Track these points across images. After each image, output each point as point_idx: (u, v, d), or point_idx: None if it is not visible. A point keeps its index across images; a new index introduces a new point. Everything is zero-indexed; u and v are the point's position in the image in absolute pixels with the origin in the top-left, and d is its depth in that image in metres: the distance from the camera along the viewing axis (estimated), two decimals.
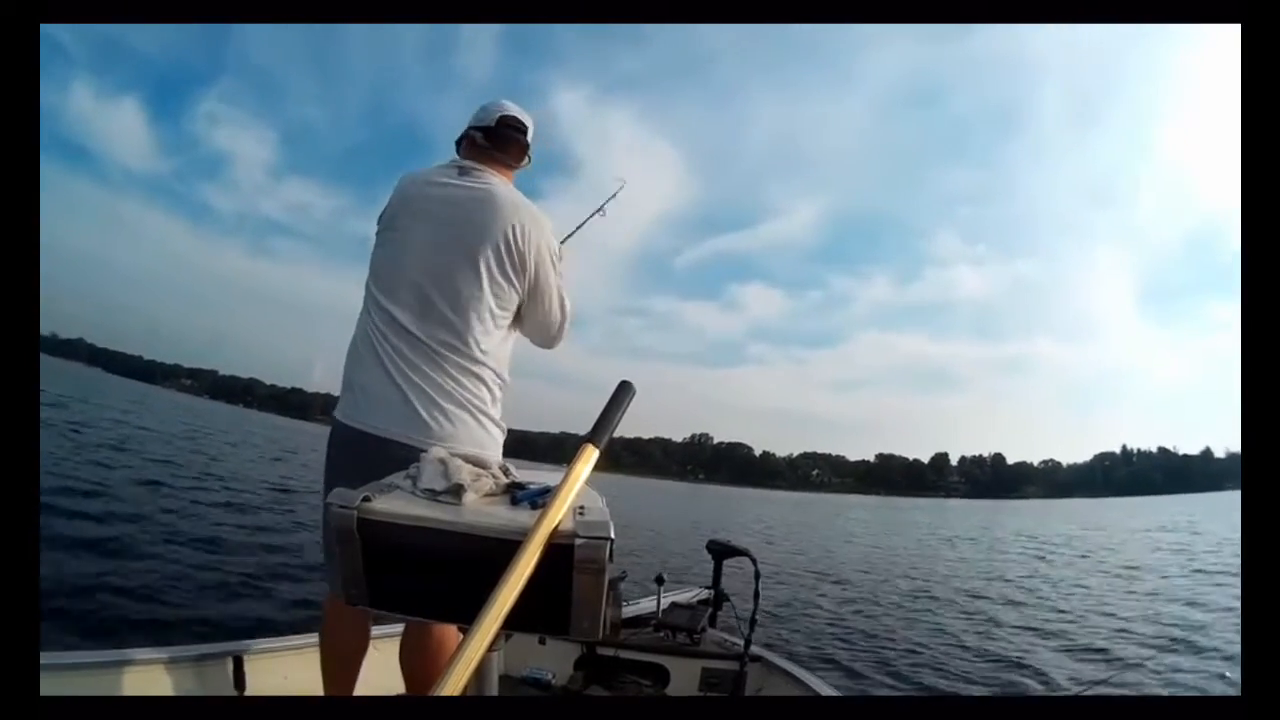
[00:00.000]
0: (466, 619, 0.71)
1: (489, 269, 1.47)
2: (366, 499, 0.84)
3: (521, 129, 1.65)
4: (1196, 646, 5.61)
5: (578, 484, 0.91)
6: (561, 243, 1.67)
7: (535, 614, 0.81)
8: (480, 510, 0.91)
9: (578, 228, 1.94)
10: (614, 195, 1.71)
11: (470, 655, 0.68)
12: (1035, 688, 4.64)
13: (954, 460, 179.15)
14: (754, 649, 2.38)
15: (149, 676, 1.69)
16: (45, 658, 1.45)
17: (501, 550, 0.78)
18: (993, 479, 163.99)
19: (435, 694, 0.65)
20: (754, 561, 2.39)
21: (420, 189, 1.53)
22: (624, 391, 1.11)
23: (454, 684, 0.66)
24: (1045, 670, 5.06)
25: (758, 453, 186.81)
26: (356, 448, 1.42)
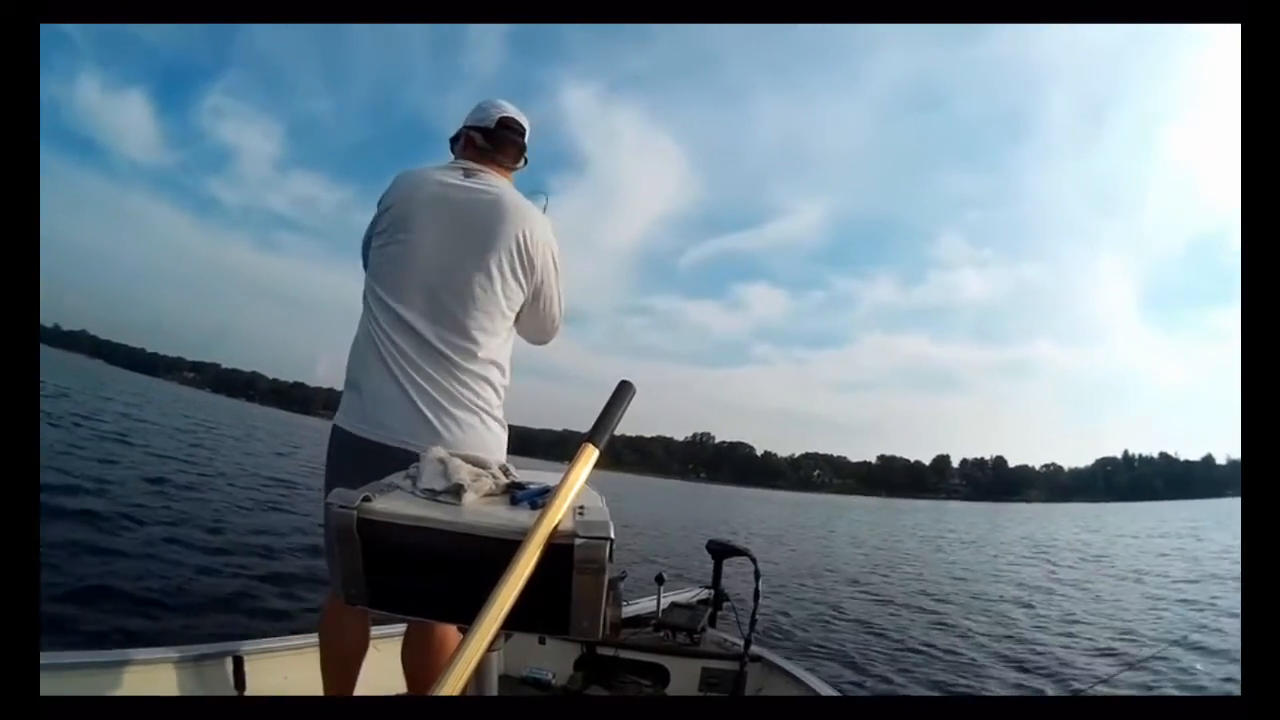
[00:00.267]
0: (466, 619, 0.71)
1: (501, 272, 1.48)
2: (366, 499, 0.84)
3: (519, 131, 1.65)
4: (1205, 648, 5.59)
5: (578, 484, 0.91)
6: None
7: (535, 614, 0.81)
8: (480, 510, 0.91)
9: None
10: (544, 210, 1.66)
11: (470, 655, 0.68)
12: (1037, 688, 4.64)
13: (955, 462, 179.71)
14: (754, 649, 2.37)
15: (149, 676, 1.69)
16: (45, 658, 1.45)
17: (501, 550, 0.77)
18: (994, 482, 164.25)
19: (435, 694, 0.65)
20: (754, 561, 2.39)
21: (427, 190, 1.52)
22: (624, 391, 1.11)
23: (454, 684, 0.66)
24: (1048, 670, 5.07)
25: (759, 453, 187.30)
26: (361, 454, 1.41)
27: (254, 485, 10.24)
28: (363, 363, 1.49)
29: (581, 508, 0.87)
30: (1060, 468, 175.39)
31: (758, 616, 2.31)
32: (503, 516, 0.89)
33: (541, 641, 2.53)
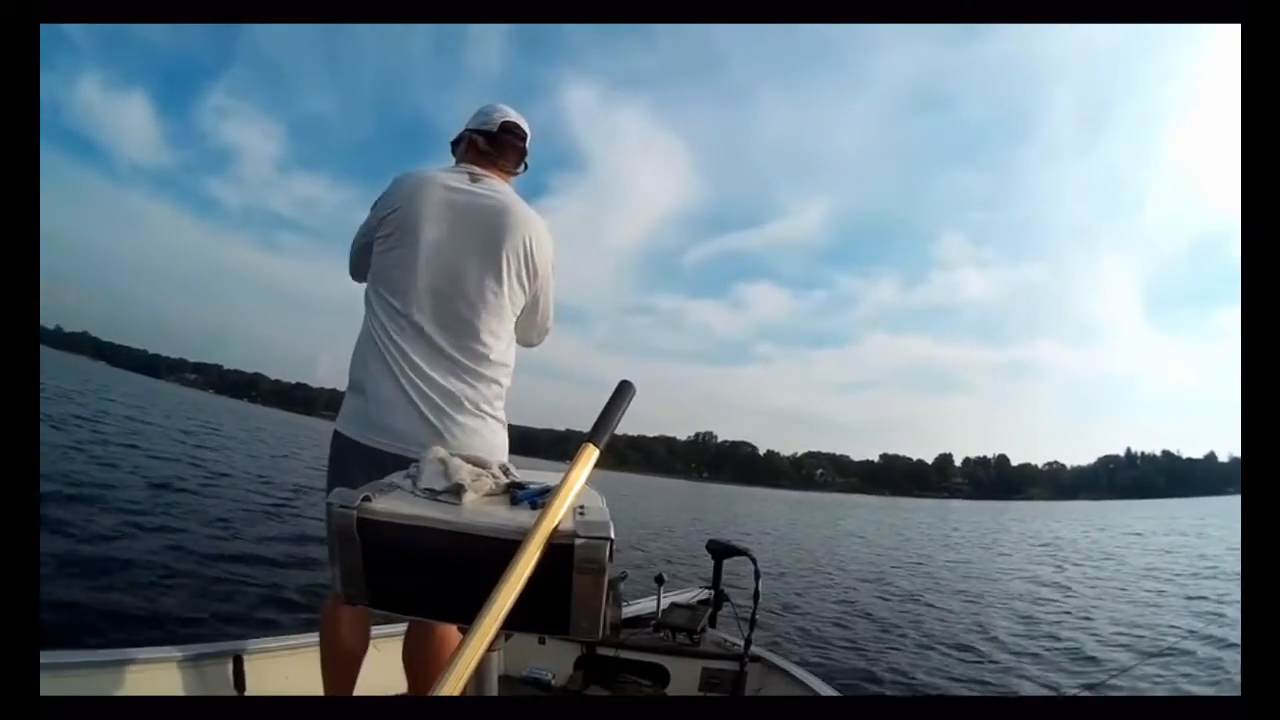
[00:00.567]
0: (466, 619, 0.71)
1: (508, 277, 1.50)
2: (366, 499, 0.84)
3: (521, 136, 1.66)
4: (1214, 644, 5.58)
5: (578, 484, 0.91)
6: None
7: (535, 614, 0.81)
8: (480, 510, 0.91)
9: None
10: None
11: (470, 655, 0.68)
12: (1038, 688, 4.64)
13: (958, 461, 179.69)
14: (754, 649, 2.37)
15: (149, 676, 1.69)
16: (45, 658, 1.45)
17: (501, 550, 0.77)
18: (996, 480, 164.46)
19: (435, 694, 0.65)
20: (754, 561, 2.39)
21: (437, 194, 1.51)
22: (624, 391, 1.11)
23: (454, 684, 0.66)
24: (1051, 670, 5.07)
25: (762, 452, 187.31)
26: (362, 460, 1.40)
27: (257, 488, 10.23)
28: (366, 366, 1.49)
29: (582, 508, 0.87)
30: (1063, 466, 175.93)
31: (758, 617, 2.31)
32: (503, 516, 0.89)
33: (541, 641, 2.53)
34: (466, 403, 1.45)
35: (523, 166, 1.69)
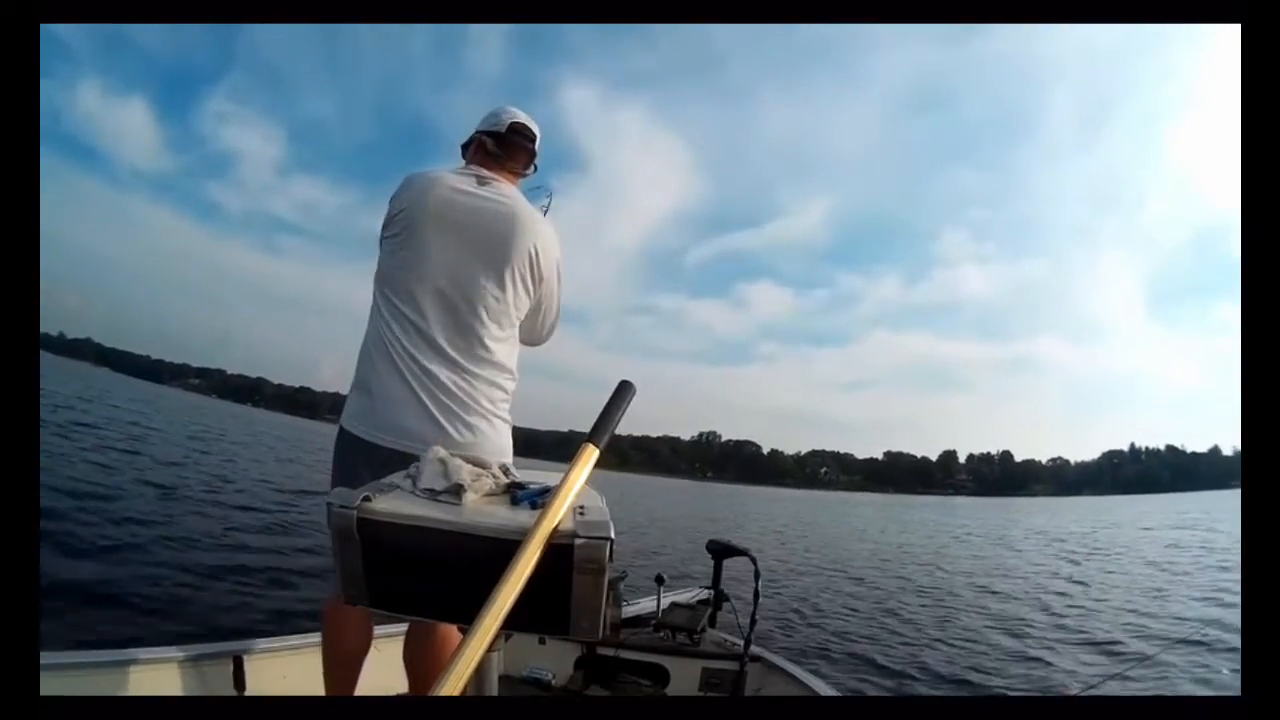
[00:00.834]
0: (466, 619, 0.71)
1: (513, 282, 1.51)
2: (366, 499, 0.84)
3: (530, 137, 1.66)
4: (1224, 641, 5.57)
5: (578, 484, 0.91)
6: None
7: (535, 614, 0.81)
8: (480, 510, 0.91)
9: None
10: (546, 209, 1.69)
11: (470, 655, 0.68)
12: (1038, 689, 4.63)
13: (962, 458, 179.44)
14: (754, 649, 2.37)
15: (149, 676, 1.69)
16: (45, 658, 1.45)
17: (501, 550, 0.77)
18: (1000, 476, 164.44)
19: (435, 694, 0.65)
20: (754, 561, 2.39)
21: (443, 196, 1.51)
22: (624, 391, 1.11)
23: (454, 684, 0.66)
24: (1053, 669, 5.06)
25: (766, 451, 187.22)
26: (367, 458, 1.41)
27: (261, 492, 10.23)
28: (372, 365, 1.49)
29: (582, 508, 0.87)
30: (1067, 461, 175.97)
31: (758, 617, 2.31)
32: (503, 516, 0.89)
33: (541, 641, 2.53)
34: (473, 403, 1.46)
35: (532, 168, 1.69)
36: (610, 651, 2.55)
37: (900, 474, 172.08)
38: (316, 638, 1.59)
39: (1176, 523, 26.08)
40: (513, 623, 0.73)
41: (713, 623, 2.77)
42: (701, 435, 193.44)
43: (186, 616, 3.92)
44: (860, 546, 15.70)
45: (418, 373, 1.44)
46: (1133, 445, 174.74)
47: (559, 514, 0.83)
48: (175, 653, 1.77)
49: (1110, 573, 11.07)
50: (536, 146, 1.67)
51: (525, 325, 1.61)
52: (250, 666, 1.86)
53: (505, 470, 1.08)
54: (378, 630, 1.63)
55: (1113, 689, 3.86)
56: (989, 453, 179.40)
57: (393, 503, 0.88)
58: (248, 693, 1.82)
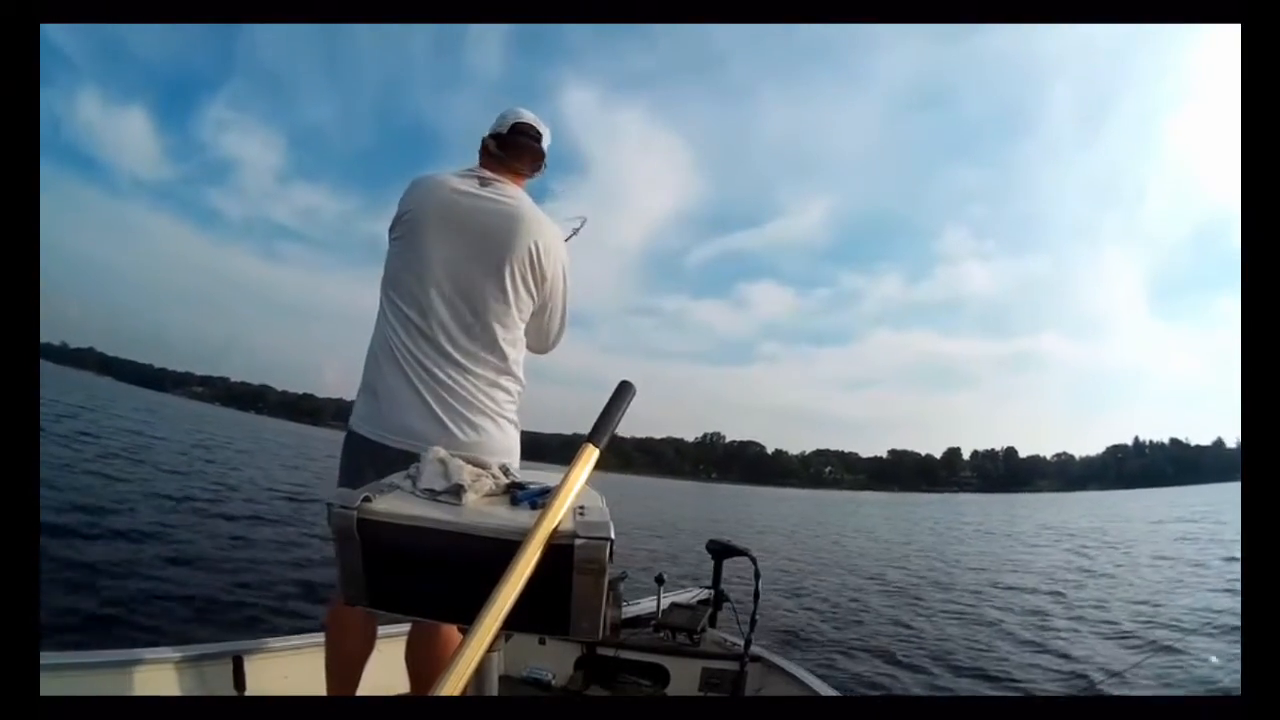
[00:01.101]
0: (466, 619, 0.71)
1: (514, 282, 1.50)
2: (366, 499, 0.85)
3: (535, 136, 1.65)
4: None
5: (578, 484, 0.91)
6: None
7: (535, 614, 0.81)
8: (480, 510, 0.91)
9: None
10: (576, 231, 1.69)
11: (470, 655, 0.68)
12: (1039, 688, 4.63)
13: (966, 455, 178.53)
14: (754, 649, 2.37)
15: (149, 676, 1.69)
16: (45, 658, 1.45)
17: (501, 550, 0.77)
18: (1005, 473, 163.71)
19: (435, 694, 0.65)
20: (754, 561, 2.39)
21: (444, 198, 1.52)
22: (624, 391, 1.11)
23: (454, 684, 0.66)
24: (1055, 668, 5.06)
25: (770, 451, 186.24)
26: (375, 459, 1.41)
27: (264, 499, 10.23)
28: (379, 366, 1.50)
29: (582, 508, 0.87)
30: (1071, 457, 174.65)
31: (758, 617, 2.31)
32: (503, 516, 0.89)
33: (541, 641, 2.53)
34: (476, 403, 1.46)
35: (542, 168, 1.68)
36: (610, 652, 2.55)
37: (905, 472, 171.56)
38: (317, 638, 1.59)
39: (1184, 515, 26.06)
40: (513, 623, 0.73)
41: (713, 623, 2.77)
42: (706, 436, 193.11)
43: (189, 632, 3.90)
44: (868, 545, 15.68)
45: (421, 373, 1.44)
46: (1136, 439, 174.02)
47: (559, 514, 0.83)
48: (175, 653, 1.77)
49: (1119, 566, 11.06)
50: (544, 145, 1.66)
51: (531, 328, 1.61)
52: (250, 667, 1.86)
53: (505, 470, 1.08)
54: (380, 630, 1.64)
55: (1112, 689, 3.85)
56: (993, 449, 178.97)
57: (392, 503, 0.88)
58: (248, 693, 1.82)
